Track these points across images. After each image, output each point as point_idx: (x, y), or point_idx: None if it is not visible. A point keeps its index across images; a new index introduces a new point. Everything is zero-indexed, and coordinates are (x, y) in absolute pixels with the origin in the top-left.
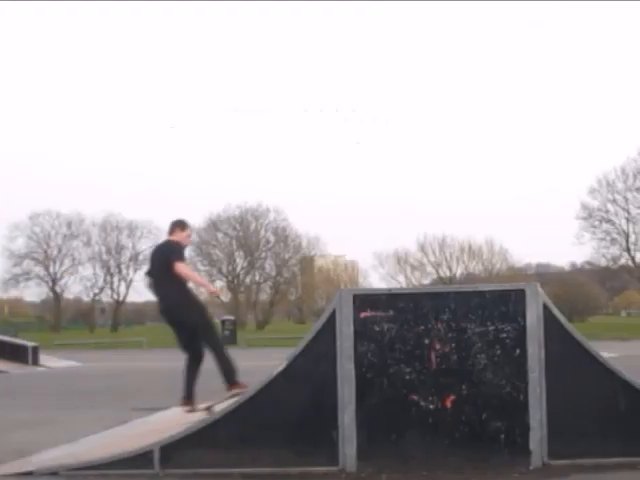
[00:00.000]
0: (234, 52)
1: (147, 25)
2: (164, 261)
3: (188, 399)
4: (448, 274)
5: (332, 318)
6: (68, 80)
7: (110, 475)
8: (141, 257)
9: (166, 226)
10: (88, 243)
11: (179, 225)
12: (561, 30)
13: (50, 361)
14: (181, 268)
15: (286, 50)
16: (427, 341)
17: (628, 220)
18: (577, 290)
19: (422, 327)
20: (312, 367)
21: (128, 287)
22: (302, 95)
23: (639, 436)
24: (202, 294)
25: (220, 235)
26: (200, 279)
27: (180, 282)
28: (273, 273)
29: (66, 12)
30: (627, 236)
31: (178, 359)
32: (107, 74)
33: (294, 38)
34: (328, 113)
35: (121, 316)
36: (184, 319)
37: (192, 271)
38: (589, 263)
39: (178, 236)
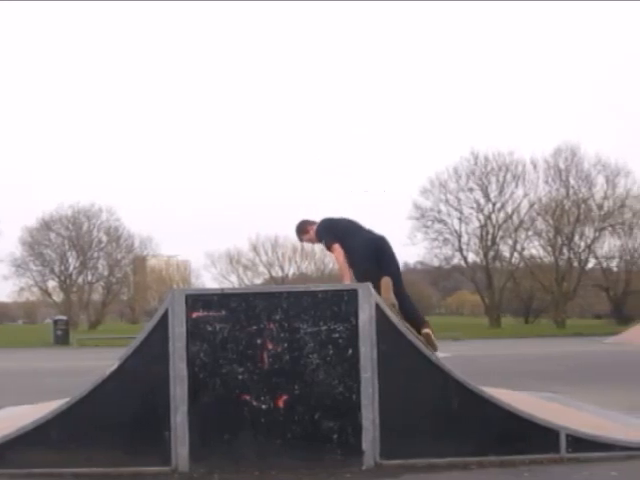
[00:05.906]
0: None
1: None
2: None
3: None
4: (280, 274)
5: (164, 318)
6: None
7: None
8: None
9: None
10: None
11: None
12: (390, 30)
13: None
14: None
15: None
16: (259, 341)
17: (460, 220)
18: (410, 290)
19: (254, 327)
20: (145, 367)
21: None
22: (134, 96)
23: (472, 436)
24: None
25: (52, 235)
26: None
27: None
28: (105, 273)
29: None
30: (459, 236)
31: (18, 359)
32: None
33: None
34: (161, 115)
35: None
36: None
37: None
38: (422, 263)
39: None
